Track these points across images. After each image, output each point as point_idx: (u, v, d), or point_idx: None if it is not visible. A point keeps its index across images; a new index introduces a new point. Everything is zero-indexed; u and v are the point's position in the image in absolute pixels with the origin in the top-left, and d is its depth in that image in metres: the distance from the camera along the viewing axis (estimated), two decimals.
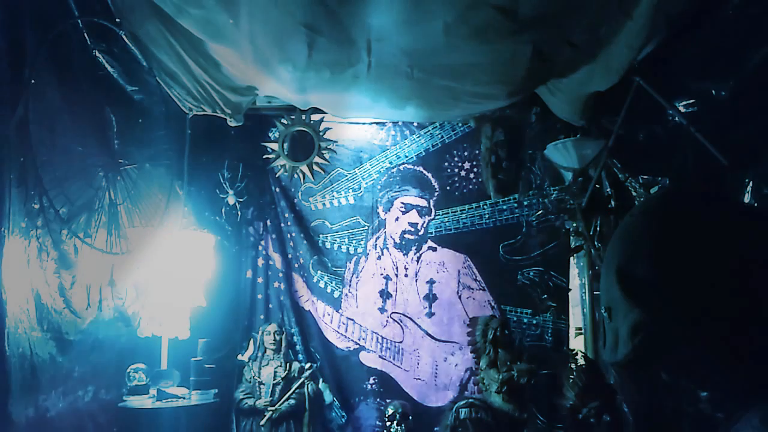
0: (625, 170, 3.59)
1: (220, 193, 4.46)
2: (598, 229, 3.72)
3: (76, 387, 3.14)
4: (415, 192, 4.63)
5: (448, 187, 4.61)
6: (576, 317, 4.52)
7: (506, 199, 4.50)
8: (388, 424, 4.03)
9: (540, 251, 4.42)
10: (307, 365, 4.29)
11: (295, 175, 4.58)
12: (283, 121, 4.51)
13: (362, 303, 4.60)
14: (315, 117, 4.48)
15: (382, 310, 4.57)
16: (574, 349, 4.01)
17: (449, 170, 4.62)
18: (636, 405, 3.29)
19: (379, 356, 4.51)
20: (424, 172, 4.64)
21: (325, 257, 4.65)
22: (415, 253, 4.61)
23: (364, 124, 4.65)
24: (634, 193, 3.50)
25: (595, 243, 3.71)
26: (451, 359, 4.46)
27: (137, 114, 3.60)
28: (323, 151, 4.53)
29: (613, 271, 0.99)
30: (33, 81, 2.61)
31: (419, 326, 4.52)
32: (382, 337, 4.54)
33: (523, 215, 4.47)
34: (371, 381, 4.48)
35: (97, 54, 3.24)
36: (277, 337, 4.28)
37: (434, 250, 4.60)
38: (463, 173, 4.60)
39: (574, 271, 4.46)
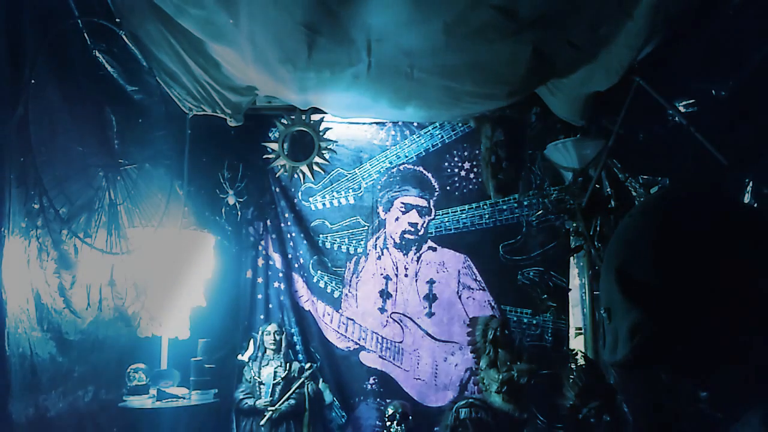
0: (625, 170, 3.59)
1: (220, 193, 4.46)
2: (598, 229, 3.72)
3: (76, 387, 3.14)
4: (415, 192, 4.63)
5: (448, 187, 4.61)
6: (576, 317, 4.52)
7: (506, 199, 4.50)
8: (388, 424, 4.03)
9: (540, 251, 4.42)
10: (307, 365, 4.29)
11: (295, 175, 4.58)
12: (283, 121, 4.51)
13: (362, 303, 4.60)
14: (315, 117, 4.48)
15: (382, 310, 4.57)
16: (574, 349, 4.01)
17: (449, 170, 4.62)
18: (636, 405, 3.29)
19: (379, 356, 4.51)
20: (424, 172, 4.64)
21: (325, 257, 4.65)
22: (415, 253, 4.61)
23: (364, 124, 4.66)
24: (634, 193, 3.50)
25: (595, 243, 3.70)
26: (451, 359, 4.46)
27: (137, 114, 3.60)
28: (323, 151, 4.53)
29: (613, 271, 0.99)
30: (33, 81, 2.61)
31: (419, 326, 4.52)
32: (382, 337, 4.54)
33: (523, 215, 4.47)
34: (371, 381, 4.48)
35: (97, 54, 3.24)
36: (277, 337, 4.28)
37: (434, 250, 4.60)
38: (463, 173, 4.60)
39: (574, 271, 4.47)
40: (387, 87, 3.52)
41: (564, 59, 3.17)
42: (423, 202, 4.63)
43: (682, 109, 3.07)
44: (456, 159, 4.61)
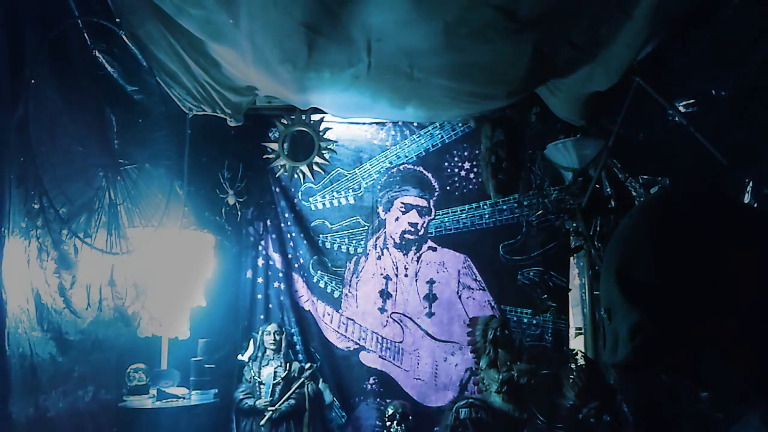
0: (625, 170, 3.59)
1: (220, 193, 4.46)
2: (598, 229, 3.72)
3: (76, 387, 3.13)
4: (415, 192, 4.63)
5: (448, 187, 4.61)
6: (576, 317, 4.52)
7: (506, 199, 4.50)
8: (388, 424, 4.03)
9: (540, 251, 4.42)
10: (307, 365, 4.29)
11: (295, 175, 4.58)
12: (283, 121, 4.51)
13: (362, 303, 4.60)
14: (315, 117, 4.48)
15: (382, 310, 4.57)
16: (574, 349, 4.01)
17: (449, 170, 4.62)
18: (636, 405, 3.29)
19: (379, 356, 4.51)
20: (424, 172, 4.64)
21: (325, 257, 4.65)
22: (415, 253, 4.61)
23: (364, 124, 4.65)
24: (634, 193, 3.50)
25: (595, 243, 3.70)
26: (451, 359, 4.46)
27: (137, 114, 3.60)
28: (323, 151, 4.53)
29: (613, 272, 0.99)
30: (33, 81, 2.61)
31: (419, 326, 4.52)
32: (382, 337, 4.54)
33: (523, 215, 4.47)
34: (371, 381, 4.48)
35: (97, 54, 3.23)
36: (277, 337, 4.28)
37: (434, 250, 4.60)
38: (463, 173, 4.60)
39: (574, 271, 4.47)
40: (387, 87, 3.52)
41: (564, 59, 3.17)
42: (423, 202, 4.63)
43: (682, 109, 3.07)
44: (456, 159, 4.61)
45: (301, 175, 4.58)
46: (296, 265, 4.67)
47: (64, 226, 2.91)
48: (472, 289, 4.53)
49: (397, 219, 4.64)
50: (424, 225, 4.62)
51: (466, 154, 4.60)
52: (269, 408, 4.06)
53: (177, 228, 3.77)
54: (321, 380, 4.37)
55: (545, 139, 4.19)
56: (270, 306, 4.63)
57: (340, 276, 4.63)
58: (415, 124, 4.62)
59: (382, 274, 4.60)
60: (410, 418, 4.07)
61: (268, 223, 4.70)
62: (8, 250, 2.47)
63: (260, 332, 4.35)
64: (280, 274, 4.64)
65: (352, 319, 4.58)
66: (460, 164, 4.61)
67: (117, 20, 3.04)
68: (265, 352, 4.28)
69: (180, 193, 3.89)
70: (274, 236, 4.68)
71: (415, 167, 4.65)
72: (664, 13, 2.65)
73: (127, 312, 3.51)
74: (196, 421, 3.80)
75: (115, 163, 3.35)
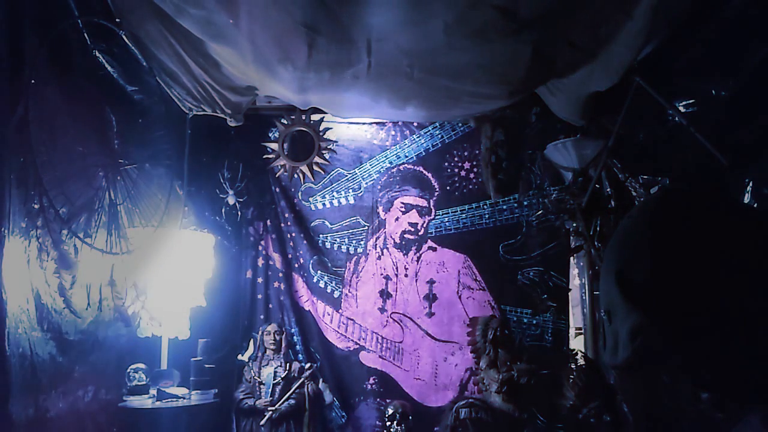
0: (625, 170, 3.59)
1: (220, 193, 4.46)
2: (598, 229, 3.72)
3: (76, 387, 3.13)
4: (415, 192, 4.63)
5: (448, 187, 4.61)
6: (576, 317, 4.52)
7: (506, 199, 4.50)
8: (388, 424, 4.03)
9: (540, 251, 4.42)
10: (307, 365, 4.29)
11: (295, 175, 4.58)
12: (283, 121, 4.51)
13: (362, 303, 4.59)
14: (315, 117, 4.48)
15: (382, 310, 4.57)
16: (574, 349, 4.01)
17: (449, 170, 4.62)
18: (636, 405, 3.30)
19: (379, 356, 4.51)
20: (424, 172, 4.64)
21: (325, 257, 4.65)
22: (415, 253, 4.61)
23: (364, 124, 4.65)
24: (634, 193, 3.50)
25: (595, 243, 3.70)
26: (451, 359, 4.46)
27: (137, 114, 3.60)
28: (323, 151, 4.53)
29: (612, 273, 0.99)
30: (33, 81, 2.61)
31: (419, 326, 4.52)
32: (382, 337, 4.54)
33: (523, 215, 4.47)
34: (371, 381, 4.48)
35: (97, 54, 3.23)
36: (277, 337, 4.28)
37: (434, 250, 4.60)
38: (463, 173, 4.60)
39: (574, 271, 4.47)
40: (387, 87, 3.52)
41: (564, 59, 3.17)
42: (423, 202, 4.63)
43: (682, 109, 3.07)
44: (456, 159, 4.61)
45: (301, 175, 4.58)
46: (296, 265, 4.67)
47: (64, 226, 2.90)
48: (472, 289, 4.53)
49: (397, 219, 4.64)
50: (424, 225, 4.62)
51: (466, 154, 4.60)
52: (269, 408, 4.06)
53: (177, 228, 3.77)
54: (321, 380, 4.37)
55: (545, 139, 4.19)
56: (270, 306, 4.63)
57: (340, 276, 4.63)
58: (415, 124, 4.62)
59: (382, 274, 4.60)
60: (410, 418, 4.07)
61: (268, 223, 4.70)
62: (8, 250, 2.47)
63: (260, 332, 4.34)
64: (280, 274, 4.64)
65: (352, 319, 4.58)
66: (460, 164, 4.60)
67: (117, 20, 3.04)
68: (265, 352, 4.28)
69: (180, 193, 3.89)
70: (274, 236, 4.68)
71: (415, 167, 4.64)
72: (664, 13, 2.65)
73: (127, 312, 3.51)
74: (196, 421, 3.80)
75: (115, 163, 3.35)
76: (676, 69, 3.09)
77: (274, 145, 4.54)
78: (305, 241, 4.65)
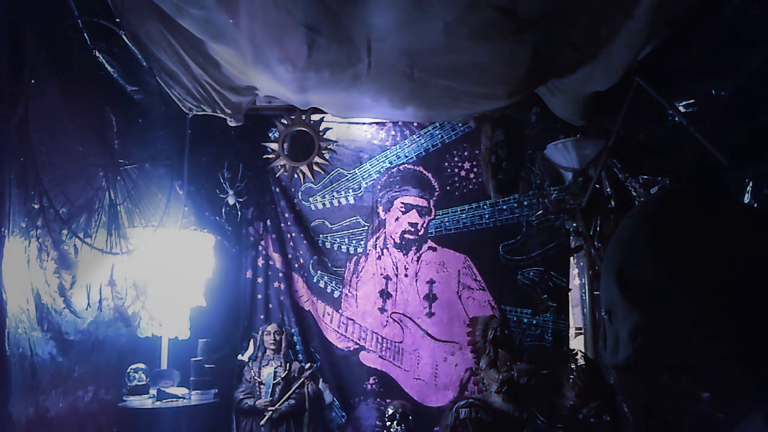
0: (625, 170, 3.59)
1: (220, 193, 4.46)
2: (598, 229, 3.72)
3: (76, 387, 3.13)
4: (415, 192, 4.63)
5: (448, 187, 4.61)
6: (576, 317, 4.52)
7: (506, 199, 4.50)
8: (388, 424, 4.03)
9: (540, 251, 4.42)
10: (307, 365, 4.29)
11: (295, 175, 4.58)
12: (283, 121, 4.51)
13: (362, 303, 4.59)
14: (315, 117, 4.48)
15: (382, 310, 4.57)
16: (574, 349, 4.01)
17: (449, 170, 4.62)
18: (636, 405, 3.30)
19: (379, 356, 4.51)
20: (424, 172, 4.64)
21: (325, 257, 4.65)
22: (415, 253, 4.61)
23: (364, 124, 4.65)
24: (634, 193, 3.50)
25: (595, 243, 3.71)
26: (451, 359, 4.46)
27: (137, 114, 3.60)
28: (323, 151, 4.53)
29: (613, 273, 0.99)
30: (33, 81, 2.61)
31: (419, 326, 4.52)
32: (382, 337, 4.54)
33: (523, 215, 4.47)
34: (371, 381, 4.48)
35: (97, 54, 3.23)
36: (277, 337, 4.28)
37: (434, 250, 4.60)
38: (463, 173, 4.60)
39: (574, 271, 4.47)
40: (387, 87, 3.52)
41: (564, 59, 3.17)
42: (423, 202, 4.63)
43: (682, 109, 3.07)
44: (456, 159, 4.61)
45: (301, 175, 4.58)
46: (296, 265, 4.67)
47: (64, 226, 2.90)
48: (472, 289, 4.53)
49: (397, 219, 4.64)
50: (424, 225, 4.62)
51: (466, 154, 4.60)
52: (269, 408, 4.06)
53: (177, 228, 3.77)
54: (321, 380, 4.37)
55: (545, 139, 4.18)
56: (270, 306, 4.63)
57: (340, 276, 4.63)
58: (415, 124, 4.62)
59: (382, 274, 4.60)
60: (410, 418, 4.07)
61: (268, 223, 4.70)
62: (8, 250, 2.47)
63: (260, 332, 4.34)
64: (280, 274, 4.64)
65: (352, 319, 4.58)
66: (460, 164, 4.60)
67: (117, 20, 3.04)
68: (265, 352, 4.28)
69: (180, 193, 3.89)
70: (274, 236, 4.68)
71: (415, 167, 4.64)
72: (664, 13, 2.65)
73: (127, 312, 3.51)
74: (196, 421, 3.80)
75: (115, 163, 3.35)
76: (676, 69, 3.09)
77: (274, 145, 4.54)
78: (305, 241, 4.65)
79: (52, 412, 2.86)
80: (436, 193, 4.62)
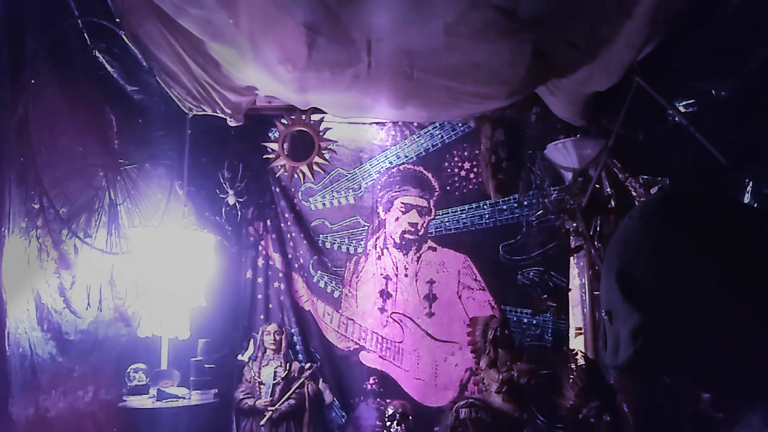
0: (625, 170, 3.58)
1: (220, 193, 4.46)
2: (598, 229, 3.71)
3: (76, 387, 3.13)
4: (415, 192, 4.63)
5: (448, 187, 4.61)
6: (576, 317, 4.52)
7: (506, 199, 4.50)
8: (388, 424, 4.03)
9: (540, 251, 4.41)
10: (307, 365, 4.29)
11: (295, 175, 4.58)
12: (283, 121, 4.51)
13: (362, 303, 4.60)
14: (315, 117, 4.48)
15: (382, 310, 4.57)
16: (574, 349, 4.00)
17: (449, 170, 4.62)
18: (636, 405, 3.29)
19: (379, 356, 4.52)
20: (424, 172, 4.64)
21: (325, 257, 4.65)
22: (415, 253, 4.61)
23: (364, 124, 4.65)
24: (634, 193, 3.49)
25: (595, 243, 3.70)
26: (451, 359, 4.46)
27: (137, 114, 3.60)
28: (323, 151, 4.53)
29: (613, 273, 0.99)
30: (33, 81, 2.61)
31: (419, 326, 4.52)
32: (382, 337, 4.54)
33: (523, 215, 4.47)
34: (371, 381, 4.48)
35: (97, 54, 3.23)
36: (277, 337, 4.28)
37: (434, 250, 4.60)
38: (463, 173, 4.60)
39: (574, 271, 4.46)
40: (387, 87, 3.52)
41: (564, 59, 3.17)
42: (423, 202, 4.63)
43: (682, 109, 3.07)
44: (456, 159, 4.61)
45: (301, 175, 4.58)
46: (296, 265, 4.67)
47: (64, 226, 2.90)
48: (472, 289, 4.53)
49: (397, 219, 4.64)
50: (424, 225, 4.62)
51: (466, 154, 4.60)
52: (269, 408, 4.06)
53: (177, 228, 3.77)
54: (321, 380, 4.37)
55: (545, 139, 4.18)
56: (270, 306, 4.63)
57: (340, 276, 4.63)
58: (415, 124, 4.62)
59: (382, 274, 4.60)
60: (410, 418, 4.07)
61: (268, 223, 4.70)
62: (8, 250, 2.47)
63: (260, 332, 4.34)
64: (280, 274, 4.64)
65: (352, 319, 4.58)
66: (460, 164, 4.60)
67: (117, 20, 3.04)
68: (265, 352, 4.28)
69: (180, 193, 3.89)
70: (274, 236, 4.68)
71: (415, 167, 4.64)
72: (664, 13, 2.65)
73: (127, 312, 3.51)
74: (196, 421, 3.80)
75: (115, 163, 3.35)
76: (676, 69, 3.09)
77: (274, 145, 4.54)
78: (305, 241, 4.65)
79: (52, 412, 2.86)
80: (436, 193, 4.62)
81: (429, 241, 4.61)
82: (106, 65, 3.32)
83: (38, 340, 2.75)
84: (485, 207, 4.54)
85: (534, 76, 3.33)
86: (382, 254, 4.62)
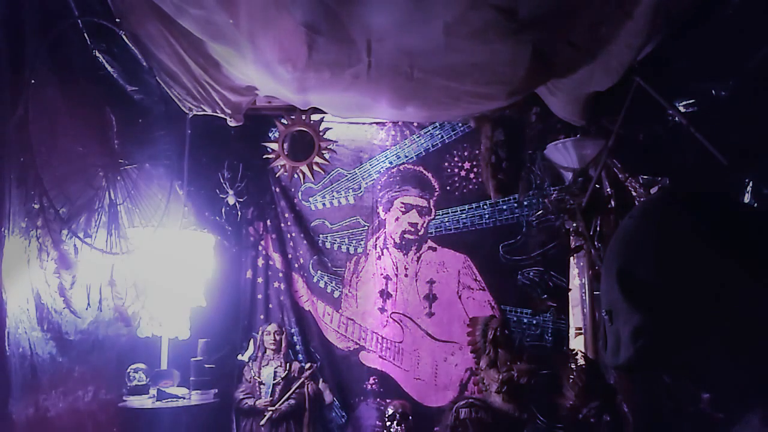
0: (625, 170, 3.58)
1: (220, 193, 4.46)
2: (598, 229, 3.72)
3: (76, 387, 3.13)
4: (415, 192, 4.63)
5: (448, 187, 4.61)
6: (576, 317, 4.52)
7: (506, 199, 4.50)
8: (388, 424, 4.03)
9: (540, 251, 4.41)
10: (307, 365, 4.30)
11: (295, 175, 4.58)
12: (283, 121, 4.51)
13: (362, 303, 4.60)
14: (315, 117, 4.48)
15: (382, 310, 4.57)
16: (574, 349, 4.01)
17: (449, 170, 4.62)
18: (636, 405, 3.29)
19: (379, 356, 4.52)
20: (424, 172, 4.64)
21: (325, 257, 4.65)
22: (415, 253, 4.61)
23: (364, 124, 4.65)
24: (634, 193, 3.50)
25: (595, 243, 3.70)
26: (451, 359, 4.46)
27: (137, 114, 3.60)
28: (323, 151, 4.53)
29: (614, 273, 0.99)
30: (33, 81, 2.61)
31: (419, 326, 4.52)
32: (382, 337, 4.54)
33: (523, 215, 4.47)
34: (371, 381, 4.48)
35: (97, 54, 3.23)
36: (277, 337, 4.29)
37: (434, 250, 4.60)
38: (463, 173, 4.60)
39: (574, 271, 4.46)
40: (387, 87, 3.51)
41: (564, 59, 3.16)
42: (423, 202, 4.63)
43: (682, 109, 3.07)
44: (456, 159, 4.61)
45: (301, 175, 4.58)
46: (296, 265, 4.67)
47: (64, 226, 2.90)
48: (472, 289, 4.53)
49: (397, 219, 4.64)
50: (424, 225, 4.62)
51: (466, 154, 4.60)
52: (269, 408, 4.06)
53: (177, 228, 3.76)
54: (321, 380, 4.37)
55: (545, 139, 4.18)
56: (270, 306, 4.63)
57: (340, 276, 4.63)
58: (415, 124, 4.62)
59: (382, 274, 4.61)
60: (410, 418, 4.07)
61: (268, 223, 4.70)
62: (8, 250, 2.47)
63: (260, 332, 4.35)
64: (280, 274, 4.64)
65: (352, 319, 4.58)
66: (460, 164, 4.61)
67: (117, 20, 3.04)
68: (265, 352, 4.28)
69: (180, 193, 3.88)
70: (274, 236, 4.68)
71: (415, 167, 4.65)
72: (664, 13, 2.64)
73: (127, 312, 3.50)
74: (196, 421, 3.80)
75: (115, 163, 3.35)
76: (676, 69, 3.09)
77: (274, 145, 4.54)
78: (305, 241, 4.65)
79: (52, 412, 2.86)
80: (436, 193, 4.62)
81: (429, 241, 4.61)
82: (106, 65, 3.32)
83: (38, 340, 2.75)
84: (485, 207, 4.54)
85: (534, 76, 3.33)
86: (382, 254, 4.63)
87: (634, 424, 3.30)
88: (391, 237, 4.63)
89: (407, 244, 4.61)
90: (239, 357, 4.36)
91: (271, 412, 4.04)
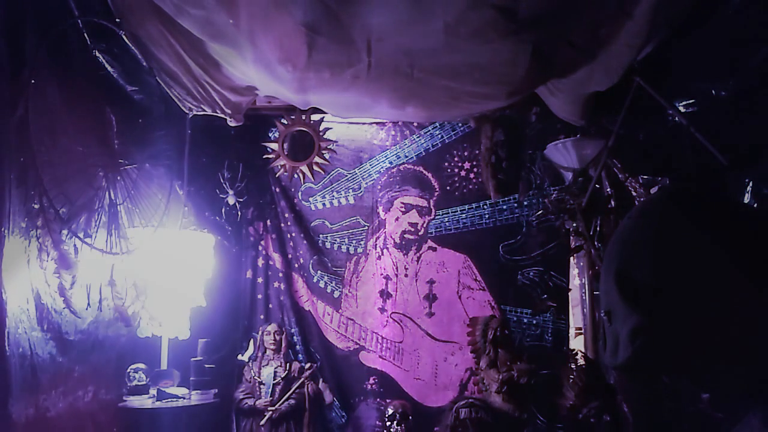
0: (625, 170, 3.59)
1: (220, 193, 4.46)
2: (598, 229, 3.72)
3: (76, 387, 3.13)
4: (415, 192, 4.63)
5: (448, 187, 4.61)
6: (576, 317, 4.52)
7: (506, 199, 4.50)
8: (388, 424, 4.03)
9: (540, 251, 4.42)
10: (307, 365, 4.30)
11: (295, 175, 4.58)
12: (283, 121, 4.51)
13: (362, 303, 4.60)
14: (315, 117, 4.48)
15: (382, 310, 4.57)
16: (574, 349, 4.01)
17: (449, 170, 4.62)
18: (636, 405, 3.29)
19: (379, 356, 4.52)
20: (424, 172, 4.64)
21: (325, 257, 4.65)
22: (415, 253, 4.61)
23: (364, 124, 4.65)
24: (634, 193, 3.50)
25: (595, 243, 3.70)
26: (451, 359, 4.46)
27: (137, 114, 3.60)
28: (323, 151, 4.53)
29: (612, 274, 0.99)
30: (33, 81, 2.61)
31: (419, 326, 4.52)
32: (382, 337, 4.54)
33: (523, 215, 4.47)
34: (371, 381, 4.48)
35: (97, 54, 3.23)
36: (277, 337, 4.29)
37: (434, 250, 4.60)
38: (463, 173, 4.60)
39: (574, 271, 4.46)
40: (387, 87, 3.51)
41: (564, 59, 3.17)
42: (423, 202, 4.63)
43: (682, 109, 3.07)
44: (456, 159, 4.61)
45: (301, 175, 4.58)
46: (296, 265, 4.67)
47: (64, 226, 2.90)
48: (472, 289, 4.53)
49: (397, 219, 4.64)
50: (424, 225, 4.62)
51: (466, 154, 4.60)
52: (269, 408, 4.06)
53: (177, 228, 3.76)
54: (321, 380, 4.37)
55: (545, 139, 4.19)
56: (270, 306, 4.63)
57: (340, 276, 4.63)
58: (415, 124, 4.62)
59: (382, 274, 4.61)
60: (410, 418, 4.07)
61: (268, 223, 4.70)
62: (8, 250, 2.47)
63: (260, 332, 4.35)
64: (280, 274, 4.65)
65: (352, 319, 4.58)
66: (460, 164, 4.61)
67: (117, 20, 3.04)
68: (265, 352, 4.28)
69: (180, 193, 3.88)
70: (274, 236, 4.68)
71: (415, 167, 4.65)
72: (664, 13, 2.65)
73: (127, 312, 3.50)
74: (196, 421, 3.80)
75: (115, 163, 3.35)
76: (676, 69, 3.09)
77: (274, 145, 4.54)
78: (305, 241, 4.65)
79: (52, 412, 2.86)
80: (436, 193, 4.62)
81: (429, 241, 4.61)
82: (106, 65, 3.32)
83: (38, 340, 2.75)
84: (485, 207, 4.55)
85: (534, 76, 3.33)
86: (382, 254, 4.63)
87: (634, 424, 3.30)
88: (391, 237, 4.63)
89: (407, 244, 4.61)
90: (239, 357, 4.36)
91: (271, 412, 4.04)
